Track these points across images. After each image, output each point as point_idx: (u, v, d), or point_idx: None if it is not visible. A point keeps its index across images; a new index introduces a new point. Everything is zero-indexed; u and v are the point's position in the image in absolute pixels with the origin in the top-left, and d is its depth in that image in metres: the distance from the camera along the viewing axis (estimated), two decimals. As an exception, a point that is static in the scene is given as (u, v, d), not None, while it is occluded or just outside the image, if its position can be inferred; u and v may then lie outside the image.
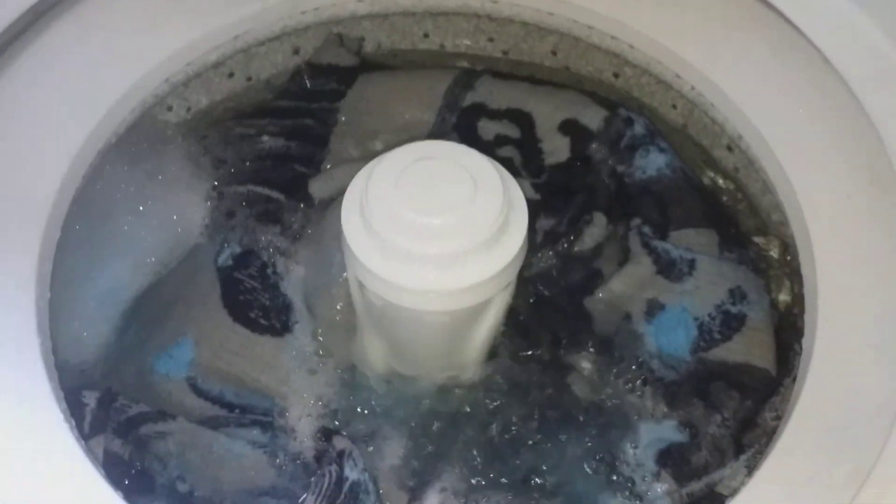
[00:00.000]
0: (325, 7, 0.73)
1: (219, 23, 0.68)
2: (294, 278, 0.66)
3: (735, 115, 0.63)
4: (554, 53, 0.77)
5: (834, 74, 0.53)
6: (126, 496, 0.46)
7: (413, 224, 0.51)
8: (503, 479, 0.60)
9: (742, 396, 0.59)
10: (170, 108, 0.71)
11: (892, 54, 0.48)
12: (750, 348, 0.61)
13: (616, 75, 0.75)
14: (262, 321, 0.63)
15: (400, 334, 0.61)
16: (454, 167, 0.53)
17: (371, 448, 0.60)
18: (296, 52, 0.76)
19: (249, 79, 0.76)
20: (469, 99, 0.74)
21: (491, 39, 0.78)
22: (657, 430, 0.60)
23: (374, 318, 0.60)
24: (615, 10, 0.68)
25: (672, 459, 0.58)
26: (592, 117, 0.72)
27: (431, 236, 0.51)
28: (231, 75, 0.74)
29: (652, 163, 0.69)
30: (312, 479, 0.54)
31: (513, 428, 0.63)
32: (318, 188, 0.69)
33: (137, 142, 0.65)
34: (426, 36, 0.79)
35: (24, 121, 0.58)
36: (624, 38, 0.69)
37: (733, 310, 0.62)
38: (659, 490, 0.57)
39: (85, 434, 0.51)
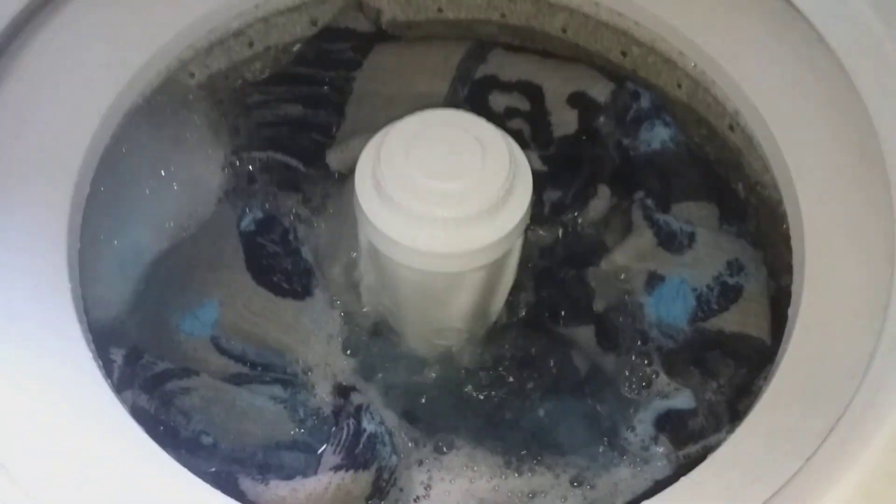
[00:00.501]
0: (343, -22, 0.75)
1: (240, -9, 0.70)
2: (314, 244, 0.68)
3: (734, 91, 0.65)
4: (564, 31, 0.78)
5: (829, 53, 0.55)
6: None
7: (424, 188, 0.54)
8: (503, 439, 0.63)
9: (737, 364, 0.61)
10: (192, 75, 0.73)
11: (881, 33, 0.50)
12: (746, 318, 0.62)
13: (624, 53, 0.76)
14: (284, 285, 0.65)
15: (410, 299, 0.63)
16: (463, 134, 0.56)
17: (386, 404, 0.62)
18: (314, 23, 0.78)
19: (268, 48, 0.77)
20: (481, 71, 0.76)
21: (503, 15, 0.80)
22: (656, 397, 0.62)
23: (385, 284, 0.63)
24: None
25: (670, 424, 0.60)
26: (601, 90, 0.73)
27: (442, 200, 0.54)
28: (251, 44, 0.76)
29: (656, 136, 0.70)
30: (332, 430, 0.57)
31: (513, 392, 0.66)
32: (335, 159, 0.71)
33: (161, 106, 0.67)
34: (440, 11, 0.80)
35: (58, 80, 0.60)
36: (630, 14, 0.71)
37: (731, 281, 0.64)
38: (657, 452, 0.59)
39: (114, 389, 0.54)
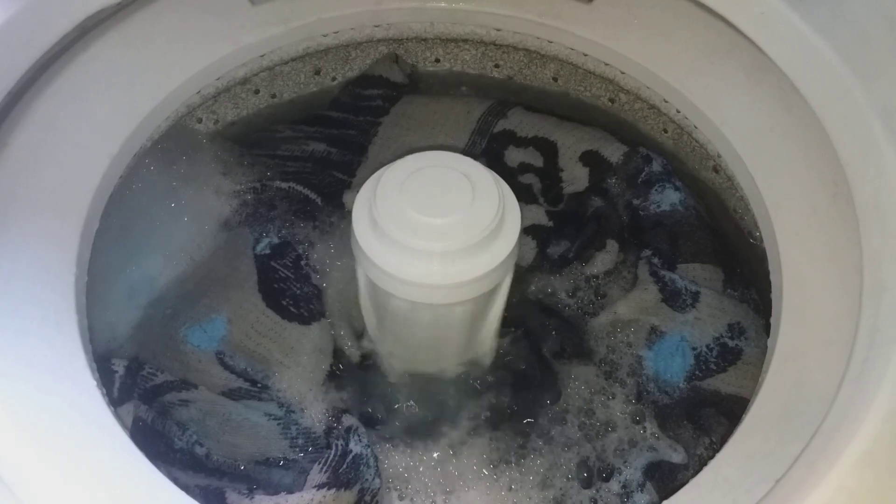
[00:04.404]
0: (343, 31, 0.79)
1: (247, 41, 0.74)
2: (323, 274, 0.71)
3: (715, 135, 0.68)
4: (555, 79, 0.82)
5: (802, 99, 0.58)
6: (149, 458, 0.49)
7: (417, 224, 0.56)
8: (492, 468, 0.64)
9: (731, 424, 0.59)
10: (200, 120, 0.77)
11: (850, 82, 0.52)
12: (743, 381, 0.63)
13: (612, 101, 0.80)
14: (292, 309, 0.67)
15: (404, 328, 0.65)
16: (455, 174, 0.58)
17: (377, 428, 0.64)
18: (317, 72, 0.82)
19: (273, 96, 0.81)
20: (500, 126, 0.79)
21: (497, 66, 0.84)
22: (648, 447, 0.63)
23: (382, 316, 0.64)
24: (608, 39, 0.74)
25: (660, 473, 0.61)
26: (613, 151, 0.76)
27: (434, 235, 0.56)
28: (257, 92, 0.80)
29: (667, 198, 0.72)
30: (322, 450, 0.58)
31: (504, 421, 0.67)
32: (351, 199, 0.73)
33: (170, 147, 0.71)
34: (437, 61, 0.85)
35: (71, 123, 0.63)
36: (616, 64, 0.75)
37: (731, 343, 0.65)
38: (641, 501, 0.60)
39: (114, 399, 0.56)
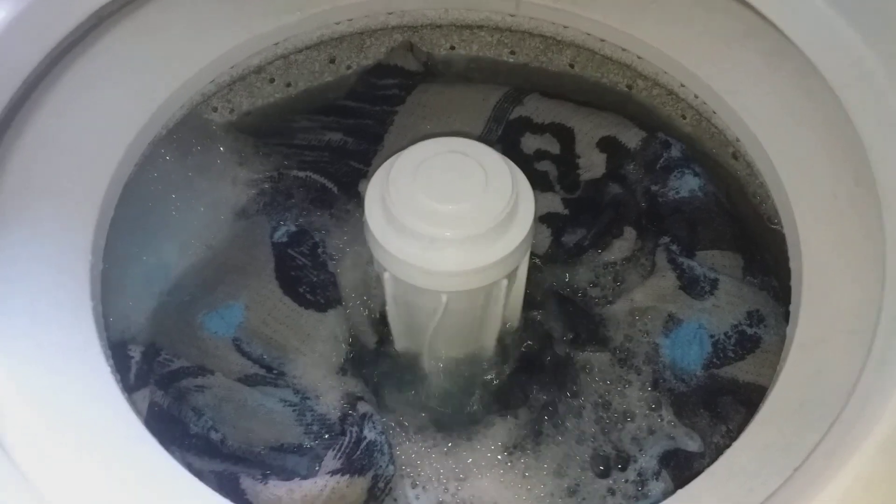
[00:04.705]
0: (358, 18, 0.78)
1: (261, 30, 0.74)
2: (340, 261, 0.71)
3: (734, 121, 0.67)
4: (572, 66, 0.82)
5: (823, 82, 0.57)
6: (163, 444, 0.50)
7: (430, 211, 0.55)
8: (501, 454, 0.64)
9: (748, 412, 0.60)
10: (215, 109, 0.77)
11: (872, 63, 0.51)
12: (761, 370, 0.63)
13: (629, 87, 0.79)
14: (309, 296, 0.67)
15: (415, 315, 0.65)
16: (467, 160, 0.58)
17: (390, 414, 0.64)
18: (331, 61, 0.82)
19: (289, 85, 0.81)
20: (516, 113, 0.79)
21: (513, 52, 0.83)
22: (664, 435, 0.63)
23: (397, 303, 0.64)
24: (625, 24, 0.73)
25: (675, 461, 0.60)
26: (631, 137, 0.75)
27: (447, 222, 0.55)
28: (272, 81, 0.80)
29: (685, 184, 0.71)
30: (337, 436, 0.58)
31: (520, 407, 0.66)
32: (366, 187, 0.74)
33: (185, 136, 0.71)
34: (452, 48, 0.84)
35: (86, 112, 0.63)
36: (633, 49, 0.74)
37: (749, 331, 0.64)
38: (657, 489, 0.59)
39: (130, 385, 0.56)
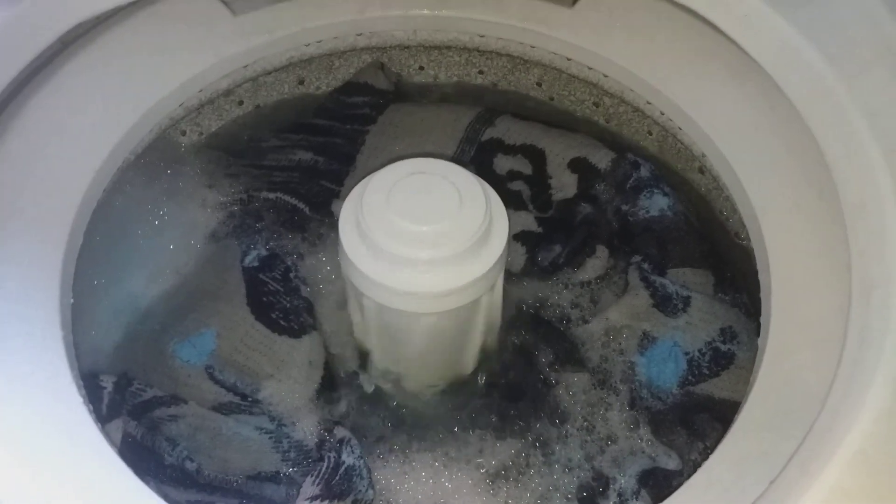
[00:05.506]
0: (327, 40, 0.78)
1: (229, 52, 0.73)
2: (312, 285, 0.70)
3: (700, 136, 0.68)
4: (539, 84, 0.83)
5: (785, 99, 0.58)
6: (138, 474, 0.49)
7: (404, 231, 0.55)
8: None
9: (725, 429, 0.58)
10: (183, 133, 0.76)
11: (832, 81, 0.53)
12: (736, 386, 0.63)
13: (596, 105, 0.80)
14: (282, 322, 0.66)
15: (393, 338, 0.64)
16: (441, 181, 0.58)
17: (368, 439, 0.64)
18: (301, 82, 0.82)
19: (258, 107, 0.81)
20: (488, 134, 0.79)
21: (481, 72, 0.84)
22: (642, 453, 0.63)
23: (370, 326, 0.64)
24: (590, 42, 0.74)
25: (654, 480, 0.61)
26: (601, 158, 0.76)
27: (421, 242, 0.55)
28: (241, 103, 0.79)
29: (655, 204, 0.72)
30: (314, 463, 0.57)
31: (495, 429, 0.67)
32: (339, 209, 0.74)
33: (154, 160, 0.71)
34: (421, 69, 0.85)
35: (53, 137, 0.62)
36: (599, 67, 0.75)
37: (723, 348, 0.65)
38: None
39: (102, 416, 0.55)
